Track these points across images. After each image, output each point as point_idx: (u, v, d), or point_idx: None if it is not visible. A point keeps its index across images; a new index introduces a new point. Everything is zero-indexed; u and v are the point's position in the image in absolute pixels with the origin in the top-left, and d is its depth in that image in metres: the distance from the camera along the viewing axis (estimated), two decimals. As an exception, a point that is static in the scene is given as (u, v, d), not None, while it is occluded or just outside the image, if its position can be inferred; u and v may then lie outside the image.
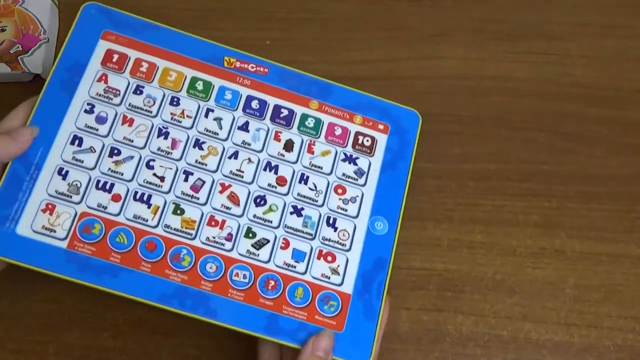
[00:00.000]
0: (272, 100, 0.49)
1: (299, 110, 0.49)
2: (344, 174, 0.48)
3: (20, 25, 0.54)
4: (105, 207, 0.44)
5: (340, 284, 0.46)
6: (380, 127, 0.50)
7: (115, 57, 0.48)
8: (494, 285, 0.52)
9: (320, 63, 0.56)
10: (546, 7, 0.60)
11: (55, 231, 0.43)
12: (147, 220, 0.44)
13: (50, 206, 0.44)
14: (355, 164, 0.49)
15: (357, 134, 0.50)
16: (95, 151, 0.45)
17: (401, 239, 0.48)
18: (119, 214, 0.44)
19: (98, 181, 0.45)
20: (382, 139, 0.50)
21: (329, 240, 0.47)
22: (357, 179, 0.49)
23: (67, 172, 0.45)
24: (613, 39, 0.59)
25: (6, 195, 0.43)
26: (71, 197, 0.44)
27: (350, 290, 0.46)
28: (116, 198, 0.45)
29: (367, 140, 0.50)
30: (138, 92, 0.47)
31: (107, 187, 0.45)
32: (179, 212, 0.45)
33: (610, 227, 0.54)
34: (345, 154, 0.49)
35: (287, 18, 0.58)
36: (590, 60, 0.58)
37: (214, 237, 0.45)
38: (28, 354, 0.48)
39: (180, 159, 0.46)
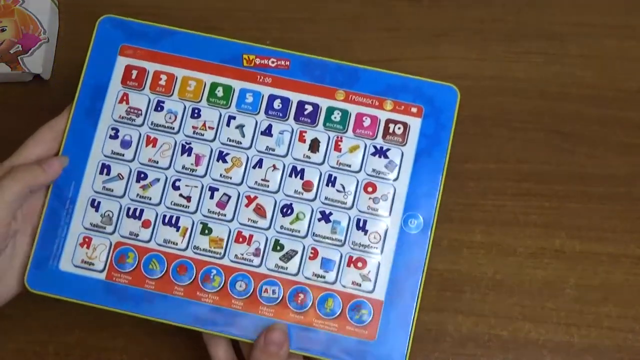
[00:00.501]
0: (295, 97, 0.47)
1: (324, 103, 0.47)
2: (374, 170, 0.46)
3: (20, 25, 0.54)
4: (137, 235, 0.45)
5: (372, 291, 0.44)
6: (414, 110, 0.47)
7: (134, 73, 0.47)
8: (494, 285, 0.52)
9: (320, 63, 0.56)
10: (546, 7, 0.60)
11: (93, 264, 0.44)
12: (176, 244, 0.45)
13: (87, 239, 0.45)
14: (386, 156, 0.46)
15: (388, 121, 0.47)
16: (123, 178, 0.46)
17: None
18: (149, 240, 0.45)
19: (128, 209, 0.45)
20: (415, 124, 0.47)
21: (359, 245, 0.45)
22: (388, 174, 0.46)
23: (99, 203, 0.45)
24: (613, 39, 0.59)
25: (48, 234, 0.44)
26: (105, 228, 0.45)
27: (382, 296, 0.44)
28: (146, 224, 0.45)
29: (399, 128, 0.46)
30: (159, 108, 0.47)
31: (137, 214, 0.45)
32: (206, 231, 0.45)
33: (610, 227, 0.54)
34: (375, 147, 0.46)
35: (287, 18, 0.58)
36: (590, 60, 0.58)
37: (242, 254, 0.45)
38: (28, 354, 0.48)
39: (204, 175, 0.46)
